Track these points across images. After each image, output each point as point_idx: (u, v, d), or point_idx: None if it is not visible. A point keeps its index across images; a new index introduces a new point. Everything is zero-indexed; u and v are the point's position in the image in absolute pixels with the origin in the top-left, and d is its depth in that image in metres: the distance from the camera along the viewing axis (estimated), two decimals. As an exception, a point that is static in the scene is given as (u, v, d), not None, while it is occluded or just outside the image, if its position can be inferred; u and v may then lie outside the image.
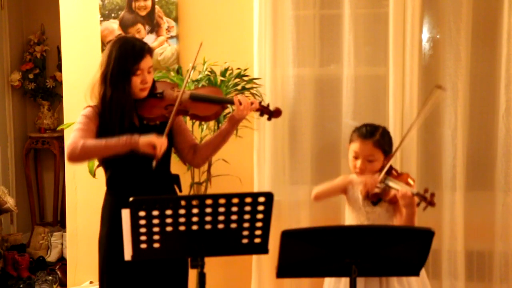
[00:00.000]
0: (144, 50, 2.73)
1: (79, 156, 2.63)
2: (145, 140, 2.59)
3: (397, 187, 2.72)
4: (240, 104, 2.76)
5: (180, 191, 2.91)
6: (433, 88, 2.95)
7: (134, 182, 2.75)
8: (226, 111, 3.21)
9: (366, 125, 2.89)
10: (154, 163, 2.60)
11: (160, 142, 2.60)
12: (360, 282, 2.76)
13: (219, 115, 2.93)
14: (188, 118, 2.96)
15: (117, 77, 2.70)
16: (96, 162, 3.44)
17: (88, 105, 2.77)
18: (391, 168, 2.82)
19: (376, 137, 2.81)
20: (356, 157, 2.83)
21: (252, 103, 2.80)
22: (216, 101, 2.85)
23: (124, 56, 2.70)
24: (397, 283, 2.77)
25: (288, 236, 2.17)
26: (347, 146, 2.92)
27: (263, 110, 2.86)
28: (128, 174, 2.77)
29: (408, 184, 2.75)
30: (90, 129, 2.69)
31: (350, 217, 2.90)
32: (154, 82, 2.83)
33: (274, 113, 2.87)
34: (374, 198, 2.78)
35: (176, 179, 2.88)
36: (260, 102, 2.87)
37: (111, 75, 2.70)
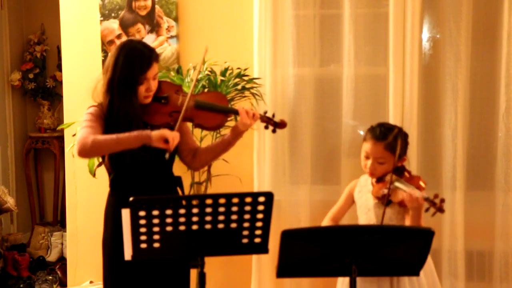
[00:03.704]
0: (151, 58, 2.69)
1: (90, 150, 2.60)
2: (157, 134, 2.58)
3: (405, 189, 2.66)
4: (247, 113, 2.72)
5: (183, 193, 2.90)
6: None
7: (138, 184, 2.74)
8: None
9: (381, 125, 2.85)
10: (167, 155, 2.61)
11: (173, 136, 2.59)
12: (373, 282, 2.77)
13: (223, 125, 2.89)
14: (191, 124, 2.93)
15: (124, 85, 2.67)
16: (96, 162, 3.43)
17: (92, 105, 2.75)
18: (403, 169, 2.77)
19: (388, 139, 2.77)
20: (367, 157, 2.81)
21: (254, 114, 2.75)
22: (221, 110, 2.80)
23: (132, 65, 2.66)
24: (408, 284, 2.76)
25: (288, 236, 2.17)
26: (361, 144, 2.89)
27: (268, 122, 2.82)
28: (131, 176, 2.76)
29: (419, 187, 2.69)
30: (99, 125, 2.67)
31: (360, 220, 2.90)
32: (158, 83, 2.80)
33: (279, 125, 2.83)
34: (383, 200, 2.73)
35: (178, 181, 2.88)
36: (265, 113, 2.83)
37: (118, 83, 2.67)
